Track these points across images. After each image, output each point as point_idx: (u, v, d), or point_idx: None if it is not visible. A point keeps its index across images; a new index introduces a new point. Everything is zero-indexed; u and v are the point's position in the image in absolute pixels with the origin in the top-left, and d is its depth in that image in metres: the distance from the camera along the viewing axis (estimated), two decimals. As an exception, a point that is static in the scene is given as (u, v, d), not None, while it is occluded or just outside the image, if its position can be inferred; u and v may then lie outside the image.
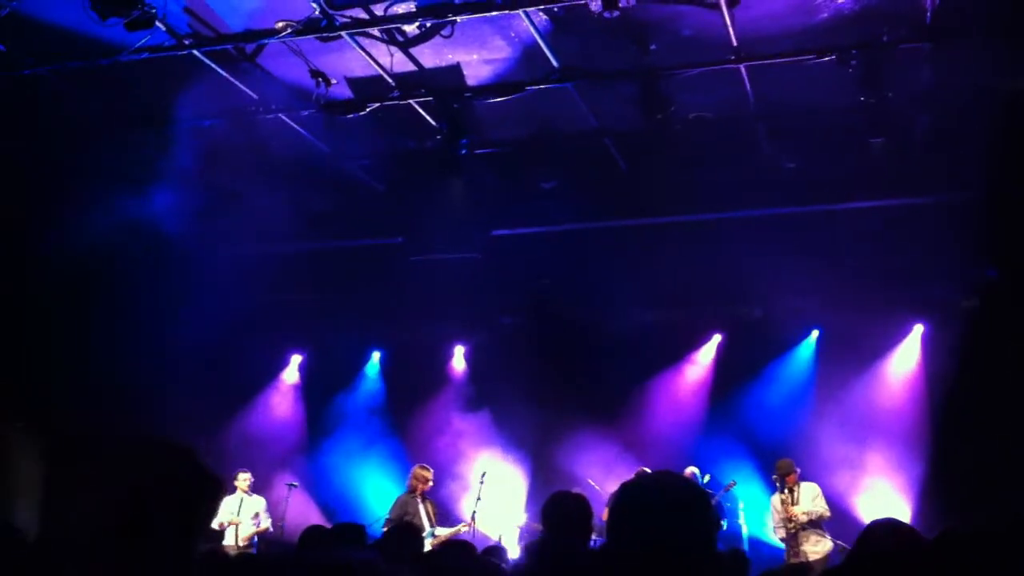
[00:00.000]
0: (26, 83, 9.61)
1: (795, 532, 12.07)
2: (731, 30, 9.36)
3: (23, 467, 12.99)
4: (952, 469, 12.37)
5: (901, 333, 13.80)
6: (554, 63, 10.02)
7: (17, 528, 4.06)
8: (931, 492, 12.72)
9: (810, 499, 12.17)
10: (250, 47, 9.80)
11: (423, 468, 13.04)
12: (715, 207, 12.41)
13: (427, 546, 12.54)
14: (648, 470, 12.91)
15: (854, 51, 9.53)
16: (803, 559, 11.88)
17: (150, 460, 2.33)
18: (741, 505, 13.07)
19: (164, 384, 12.88)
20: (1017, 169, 10.26)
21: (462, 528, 13.04)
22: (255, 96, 10.60)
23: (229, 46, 9.67)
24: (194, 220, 11.11)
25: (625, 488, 2.86)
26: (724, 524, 12.63)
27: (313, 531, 7.03)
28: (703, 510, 2.81)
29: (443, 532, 12.70)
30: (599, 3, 8.57)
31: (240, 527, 13.14)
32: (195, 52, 9.58)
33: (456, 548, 6.39)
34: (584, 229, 13.07)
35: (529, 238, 13.21)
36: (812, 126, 11.20)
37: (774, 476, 12.40)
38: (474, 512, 12.94)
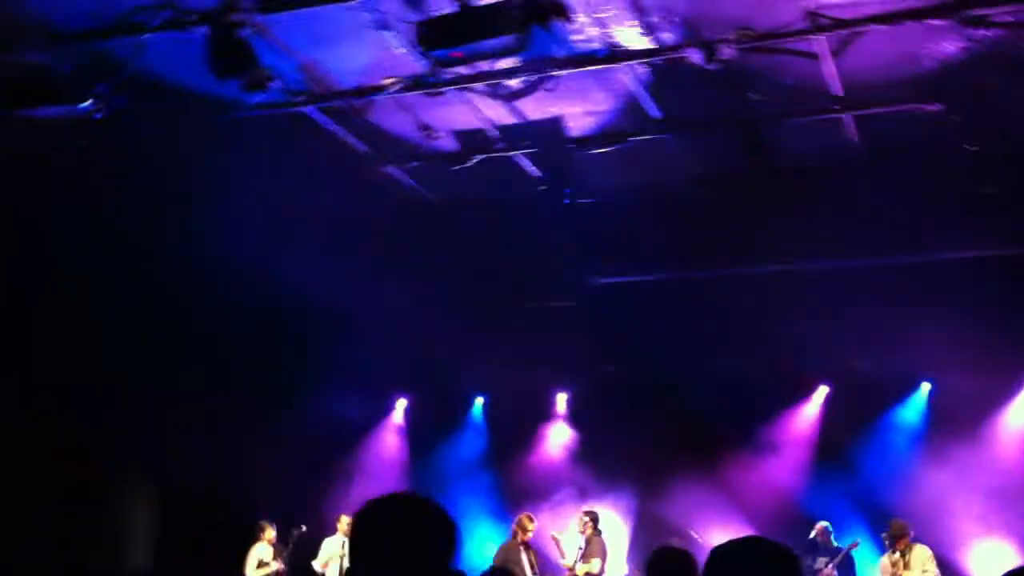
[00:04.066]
0: (144, 138, 10.05)
1: (906, 599, 11.73)
2: (835, 79, 9.32)
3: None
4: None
5: (1016, 387, 13.36)
6: (655, 114, 10.10)
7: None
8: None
9: (921, 564, 11.79)
10: (360, 102, 10.12)
11: (528, 518, 13.08)
12: (820, 256, 12.25)
13: (530, 595, 12.60)
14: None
15: (961, 99, 9.38)
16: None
17: (432, 514, 2.76)
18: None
19: (270, 427, 13.19)
20: None
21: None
22: (365, 149, 10.93)
23: (340, 101, 10.01)
24: (306, 270, 11.43)
25: (717, 553, 2.92)
26: None
27: None
28: (794, 574, 2.87)
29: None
30: (700, 56, 8.65)
31: (343, 566, 13.35)
32: (307, 108, 9.95)
33: None
34: (688, 278, 13.04)
35: (632, 286, 13.23)
36: (921, 174, 11.00)
37: (884, 536, 12.08)
38: (576, 561, 12.90)
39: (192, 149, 9.99)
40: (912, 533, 11.98)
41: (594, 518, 13.23)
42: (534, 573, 12.81)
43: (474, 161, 10.98)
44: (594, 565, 12.91)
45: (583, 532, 13.14)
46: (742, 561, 2.88)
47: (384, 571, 2.64)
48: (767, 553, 2.90)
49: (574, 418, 15.61)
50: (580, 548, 13.02)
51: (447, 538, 2.73)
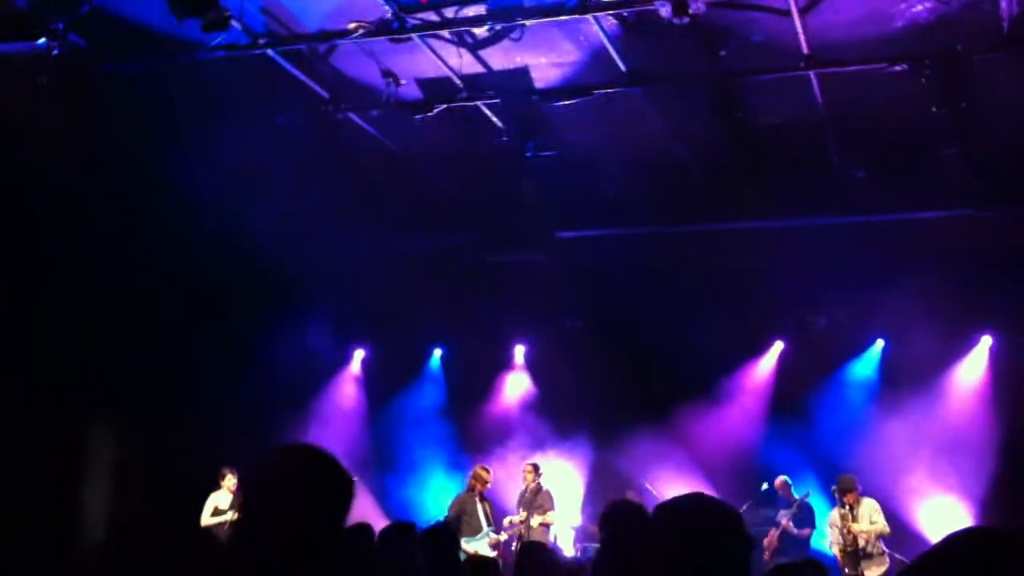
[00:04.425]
0: (105, 79, 9.82)
1: (853, 549, 11.96)
2: (802, 37, 9.28)
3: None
4: (1019, 484, 12.18)
5: (968, 344, 13.60)
6: (622, 67, 10.03)
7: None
8: (996, 507, 12.52)
9: (868, 515, 12.05)
10: (323, 47, 9.94)
11: (484, 469, 13.13)
12: (783, 214, 12.31)
13: (485, 545, 12.67)
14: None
15: (928, 60, 9.39)
16: (861, 576, 11.82)
17: (325, 467, 2.65)
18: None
19: (228, 377, 13.07)
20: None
21: (519, 529, 13.04)
22: (326, 95, 10.75)
23: (302, 45, 9.83)
24: (266, 218, 11.26)
25: (663, 510, 2.94)
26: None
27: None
28: (737, 531, 2.88)
29: (498, 534, 12.79)
30: (668, 9, 8.55)
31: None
32: (269, 51, 9.75)
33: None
34: (650, 233, 13.04)
35: (595, 241, 13.21)
36: (884, 135, 11.06)
37: (834, 489, 12.30)
38: (529, 514, 12.97)
39: (152, 90, 9.77)
40: (860, 487, 12.19)
41: (538, 470, 13.31)
42: (489, 523, 12.88)
43: (437, 111, 10.82)
44: (549, 516, 13.02)
45: (529, 484, 13.21)
46: (686, 517, 2.89)
47: (274, 523, 2.57)
48: (711, 510, 2.91)
49: (532, 370, 15.64)
50: (525, 498, 13.09)
51: (339, 492, 2.65)
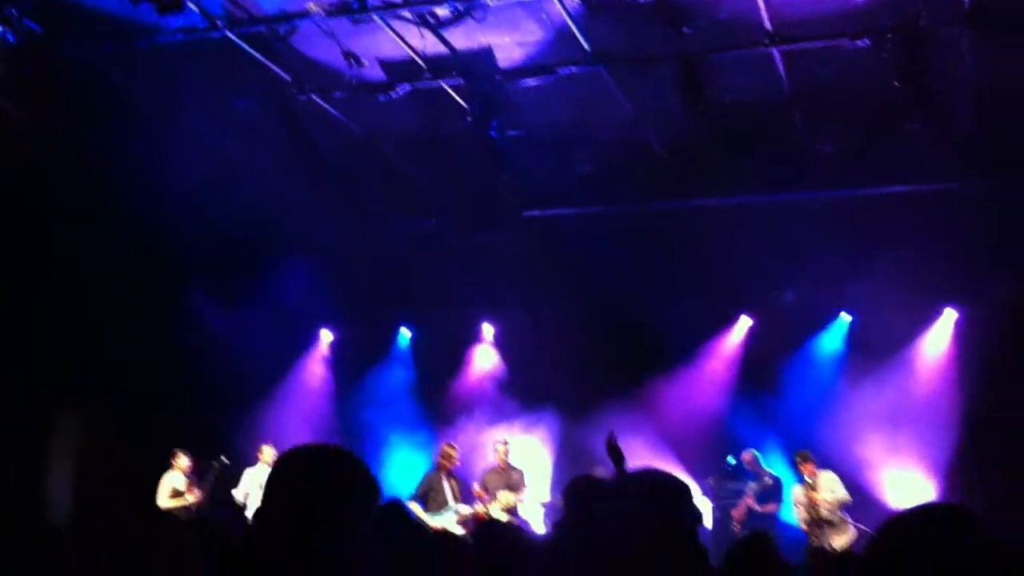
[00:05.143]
0: (62, 65, 9.66)
1: (817, 518, 12.09)
2: (764, 13, 9.27)
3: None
4: (981, 456, 12.32)
5: (933, 317, 13.70)
6: (586, 47, 9.97)
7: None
8: (959, 478, 12.66)
9: (829, 486, 12.18)
10: (283, 28, 9.81)
11: (450, 446, 13.16)
12: (750, 191, 12.33)
13: (451, 521, 12.71)
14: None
15: (890, 35, 9.39)
16: (827, 548, 11.92)
17: (339, 464, 2.64)
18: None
19: (200, 360, 13.01)
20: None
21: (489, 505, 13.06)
22: (288, 77, 10.63)
23: (262, 27, 9.69)
24: (231, 201, 11.15)
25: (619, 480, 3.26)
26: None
27: None
28: (686, 501, 3.09)
29: (465, 509, 12.81)
30: (633, -14, 8.53)
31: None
32: (228, 33, 9.62)
33: None
34: (617, 211, 13.02)
35: (562, 220, 13.18)
36: (849, 111, 11.08)
37: (796, 458, 12.44)
38: (497, 490, 12.99)
39: (111, 76, 9.63)
40: (815, 461, 12.29)
41: (508, 445, 13.33)
42: (456, 500, 12.91)
43: (400, 92, 10.72)
44: (522, 494, 13.05)
45: (500, 461, 13.22)
46: (641, 488, 3.13)
47: (297, 515, 2.55)
48: (663, 482, 3.12)
49: (500, 347, 15.62)
50: (496, 475, 13.11)
51: (367, 490, 2.65)
